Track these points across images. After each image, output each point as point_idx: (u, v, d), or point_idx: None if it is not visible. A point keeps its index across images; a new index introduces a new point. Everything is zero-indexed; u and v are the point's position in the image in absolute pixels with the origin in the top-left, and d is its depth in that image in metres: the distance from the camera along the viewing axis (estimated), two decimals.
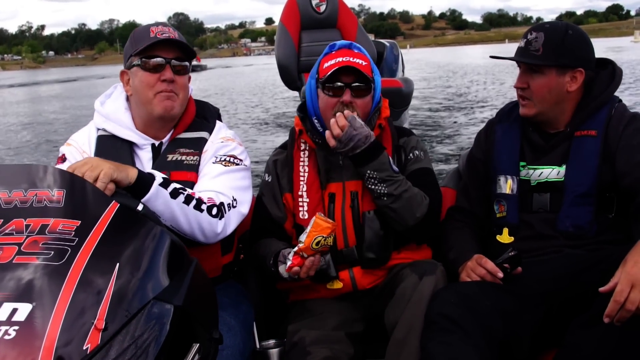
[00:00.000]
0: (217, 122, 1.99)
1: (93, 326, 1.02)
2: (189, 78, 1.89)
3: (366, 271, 1.96)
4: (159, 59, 1.79)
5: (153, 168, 1.78)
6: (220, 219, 1.70)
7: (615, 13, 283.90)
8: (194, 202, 1.64)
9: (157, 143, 1.87)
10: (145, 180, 1.55)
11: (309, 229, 1.71)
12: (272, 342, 1.93)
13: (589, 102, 1.94)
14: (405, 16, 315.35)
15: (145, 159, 1.84)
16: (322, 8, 4.61)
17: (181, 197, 1.62)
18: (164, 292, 1.15)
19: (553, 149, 1.96)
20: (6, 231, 1.16)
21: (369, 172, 1.87)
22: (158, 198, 1.57)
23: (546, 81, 1.89)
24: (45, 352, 0.96)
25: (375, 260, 1.95)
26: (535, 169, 1.98)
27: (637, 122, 1.90)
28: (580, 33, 1.94)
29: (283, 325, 2.00)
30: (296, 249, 1.73)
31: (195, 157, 1.85)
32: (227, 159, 1.85)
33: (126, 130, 1.86)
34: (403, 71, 5.43)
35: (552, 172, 1.95)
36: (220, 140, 1.90)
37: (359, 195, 1.96)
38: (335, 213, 1.95)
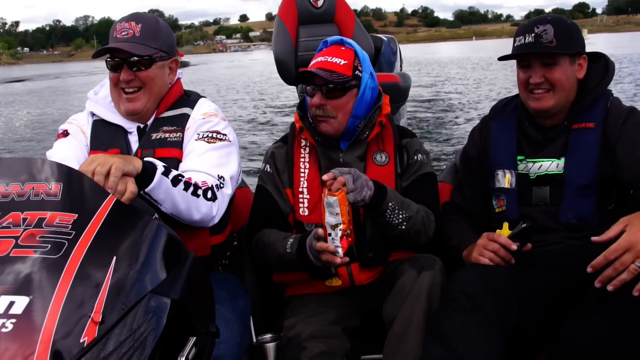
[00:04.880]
0: (201, 98, 2.01)
1: (90, 319, 1.02)
2: (172, 65, 1.94)
3: (364, 268, 1.96)
4: (116, 60, 1.84)
5: (138, 148, 1.83)
6: (214, 201, 1.72)
7: (582, 11, 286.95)
8: (192, 188, 1.65)
9: (142, 125, 1.91)
10: (148, 170, 1.55)
11: (337, 209, 1.64)
12: (268, 336, 1.93)
13: (584, 95, 1.95)
14: (378, 13, 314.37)
15: (132, 141, 1.89)
16: (320, 3, 4.61)
17: (181, 185, 1.62)
18: (161, 285, 1.15)
19: (551, 142, 1.97)
20: (3, 224, 1.15)
21: (390, 204, 1.83)
22: (161, 186, 1.57)
23: (563, 71, 1.91)
24: (42, 345, 0.96)
25: (374, 259, 1.95)
26: (534, 162, 1.98)
27: (636, 116, 1.91)
28: (574, 22, 2.00)
29: (280, 319, 2.00)
30: (340, 233, 1.67)
31: (179, 134, 1.87)
32: (211, 134, 1.85)
33: (112, 114, 1.92)
34: (401, 66, 5.41)
35: (551, 165, 1.95)
36: (202, 116, 1.90)
37: None
38: None
